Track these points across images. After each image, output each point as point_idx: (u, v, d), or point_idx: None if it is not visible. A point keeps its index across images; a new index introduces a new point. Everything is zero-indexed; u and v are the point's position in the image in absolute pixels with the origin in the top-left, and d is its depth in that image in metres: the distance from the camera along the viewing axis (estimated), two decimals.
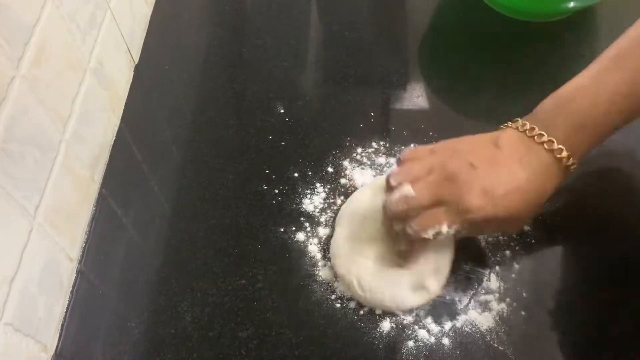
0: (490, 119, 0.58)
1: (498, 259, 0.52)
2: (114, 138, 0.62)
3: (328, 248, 0.53)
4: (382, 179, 0.51)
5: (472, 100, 0.66)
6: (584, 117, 0.43)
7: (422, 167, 0.45)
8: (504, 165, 0.44)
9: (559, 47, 0.70)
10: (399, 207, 0.45)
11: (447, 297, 0.50)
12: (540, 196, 0.44)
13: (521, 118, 0.47)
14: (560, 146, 0.43)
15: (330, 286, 0.51)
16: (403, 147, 0.60)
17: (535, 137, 0.44)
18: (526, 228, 0.54)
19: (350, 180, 0.58)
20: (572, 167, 0.44)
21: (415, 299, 0.49)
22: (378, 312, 0.49)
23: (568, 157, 0.43)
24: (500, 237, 0.53)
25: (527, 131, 0.45)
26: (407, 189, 0.44)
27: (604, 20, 0.73)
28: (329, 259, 0.53)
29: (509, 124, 0.47)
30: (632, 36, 0.44)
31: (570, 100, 0.44)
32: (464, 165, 0.44)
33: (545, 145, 0.44)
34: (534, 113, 0.46)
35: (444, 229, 0.44)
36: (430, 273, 0.49)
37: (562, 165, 0.44)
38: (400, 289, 0.49)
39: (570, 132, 0.43)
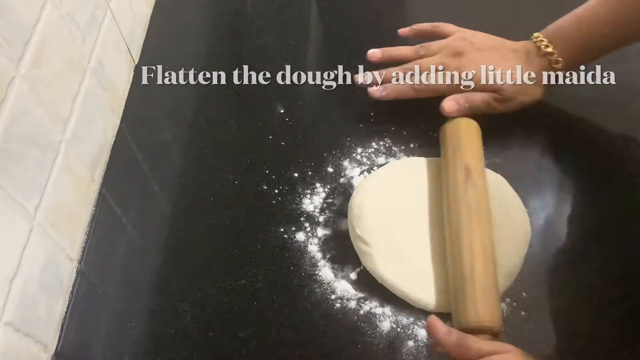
0: (491, 117, 0.58)
1: None
2: (114, 138, 0.62)
3: (328, 248, 0.53)
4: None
5: None
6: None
7: (439, 44, 0.61)
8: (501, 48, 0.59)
9: None
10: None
11: None
12: (526, 67, 0.57)
13: None
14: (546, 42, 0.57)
15: (330, 286, 0.51)
16: (403, 147, 0.60)
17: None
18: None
19: (350, 180, 0.58)
20: (554, 61, 0.56)
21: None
22: (378, 311, 0.49)
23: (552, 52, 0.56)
24: None
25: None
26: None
27: None
28: (329, 259, 0.53)
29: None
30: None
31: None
32: (469, 46, 0.59)
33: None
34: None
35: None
36: None
37: (541, 52, 0.57)
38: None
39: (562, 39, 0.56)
